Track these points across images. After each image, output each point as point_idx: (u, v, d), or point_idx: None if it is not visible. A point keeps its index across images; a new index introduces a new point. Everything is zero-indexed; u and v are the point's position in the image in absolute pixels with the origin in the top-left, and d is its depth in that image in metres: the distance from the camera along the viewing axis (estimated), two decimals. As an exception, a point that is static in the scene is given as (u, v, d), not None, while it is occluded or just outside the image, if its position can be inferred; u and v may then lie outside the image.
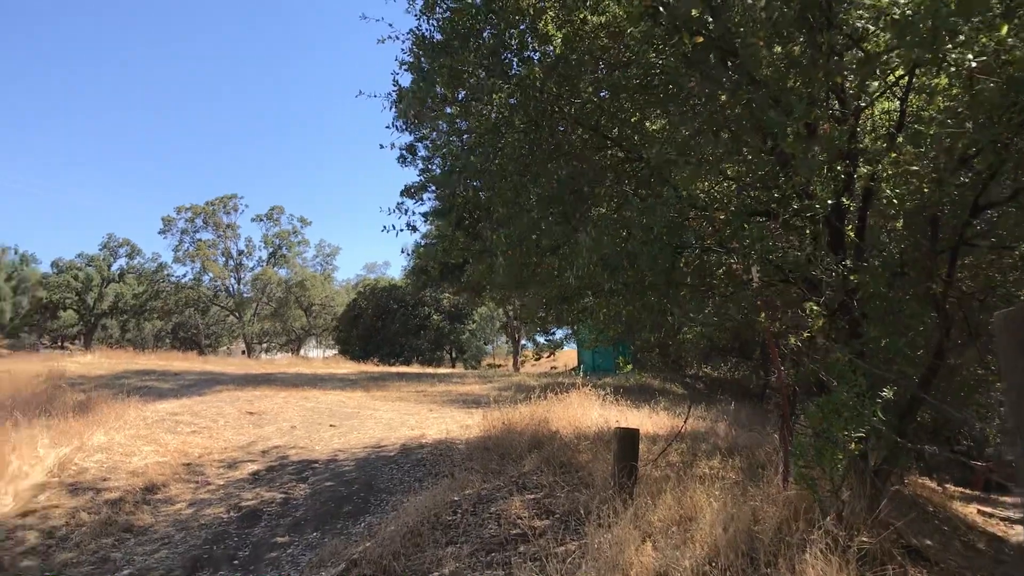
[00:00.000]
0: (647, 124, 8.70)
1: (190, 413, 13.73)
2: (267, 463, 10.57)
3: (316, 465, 10.39)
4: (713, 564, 4.74)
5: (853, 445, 5.05)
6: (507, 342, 56.84)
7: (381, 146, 9.50)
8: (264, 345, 70.59)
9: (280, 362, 40.15)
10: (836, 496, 5.27)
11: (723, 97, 6.79)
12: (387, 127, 8.19)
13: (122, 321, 70.29)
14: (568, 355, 48.10)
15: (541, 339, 45.98)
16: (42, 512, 8.23)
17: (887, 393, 5.34)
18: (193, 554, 7.38)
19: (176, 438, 11.53)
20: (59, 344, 66.73)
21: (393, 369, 31.95)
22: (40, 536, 7.70)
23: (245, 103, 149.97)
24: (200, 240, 62.62)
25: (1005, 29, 5.18)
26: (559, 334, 38.57)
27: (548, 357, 47.73)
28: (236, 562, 7.19)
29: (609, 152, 8.43)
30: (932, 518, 10.67)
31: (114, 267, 71.00)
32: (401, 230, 8.43)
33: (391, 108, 9.29)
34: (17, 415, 10.65)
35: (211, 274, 62.88)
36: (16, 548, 7.40)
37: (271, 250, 66.53)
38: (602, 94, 8.10)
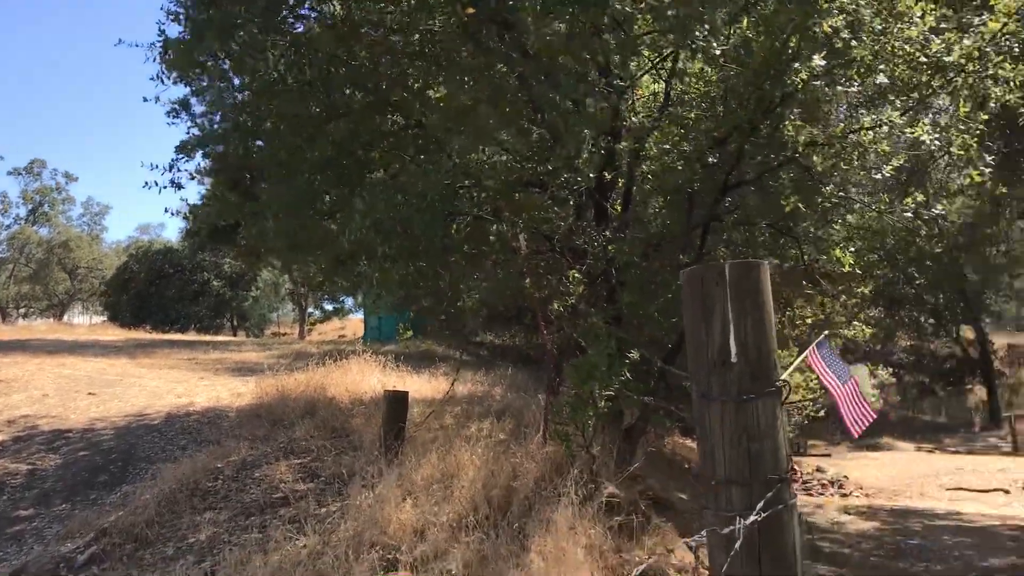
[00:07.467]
0: (430, 92, 8.74)
1: (-79, 382, 12.35)
2: (13, 433, 9.75)
3: (70, 435, 9.70)
4: (471, 517, 4.94)
5: (603, 403, 5.43)
6: (294, 310, 55.45)
7: (145, 99, 8.74)
8: (22, 310, 64.49)
9: (39, 328, 36.75)
10: (587, 451, 5.64)
11: (501, 68, 6.97)
12: (151, 79, 7.62)
13: None
14: (357, 324, 47.67)
15: (329, 306, 45.34)
16: None
17: (634, 355, 5.75)
18: (-82, 533, 6.70)
19: (-99, 408, 10.36)
20: None
21: (165, 336, 30.22)
22: None
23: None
24: (-52, 193, 56.16)
25: (746, 22, 5.71)
26: (349, 302, 38.15)
27: (336, 320, 46.94)
28: (-30, 540, 6.61)
29: (389, 117, 8.39)
30: (687, 474, 11.73)
31: None
32: (165, 187, 7.92)
33: (158, 60, 8.72)
34: None
35: (-41, 231, 56.66)
36: None
37: (31, 207, 60.77)
38: (384, 59, 8.03)
